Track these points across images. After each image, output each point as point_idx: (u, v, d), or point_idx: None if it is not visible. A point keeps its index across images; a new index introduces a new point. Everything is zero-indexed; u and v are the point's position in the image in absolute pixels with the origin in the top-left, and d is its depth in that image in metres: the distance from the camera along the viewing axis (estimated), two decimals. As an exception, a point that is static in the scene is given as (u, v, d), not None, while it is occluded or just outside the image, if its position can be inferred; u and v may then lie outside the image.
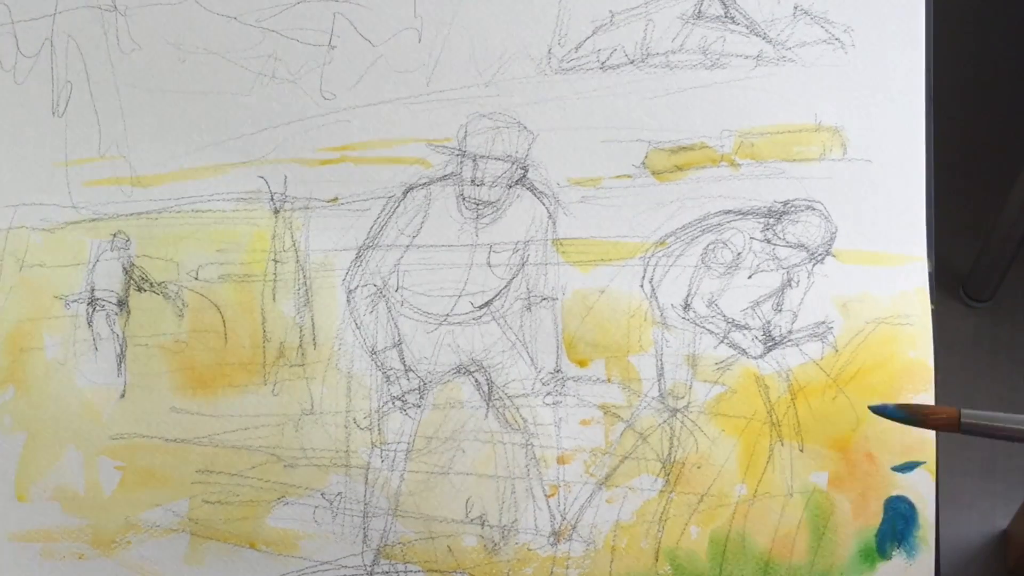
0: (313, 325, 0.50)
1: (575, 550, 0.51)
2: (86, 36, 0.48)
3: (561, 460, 0.51)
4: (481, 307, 0.51)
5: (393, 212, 0.50)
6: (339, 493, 0.50)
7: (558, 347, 0.51)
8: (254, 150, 0.49)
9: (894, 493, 0.51)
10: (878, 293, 0.52)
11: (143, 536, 0.49)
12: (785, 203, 0.52)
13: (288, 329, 0.50)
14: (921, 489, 0.51)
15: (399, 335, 0.51)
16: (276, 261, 0.50)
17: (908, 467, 0.51)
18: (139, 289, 0.49)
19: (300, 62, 0.49)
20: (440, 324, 0.51)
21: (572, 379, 0.51)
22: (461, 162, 0.50)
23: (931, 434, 0.51)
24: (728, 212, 0.52)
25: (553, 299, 0.51)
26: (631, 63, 0.50)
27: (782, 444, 0.51)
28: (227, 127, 0.49)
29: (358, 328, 0.50)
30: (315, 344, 0.50)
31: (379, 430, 0.50)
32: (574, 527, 0.51)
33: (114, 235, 0.49)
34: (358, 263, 0.50)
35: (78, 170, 0.48)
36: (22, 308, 0.48)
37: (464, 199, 0.50)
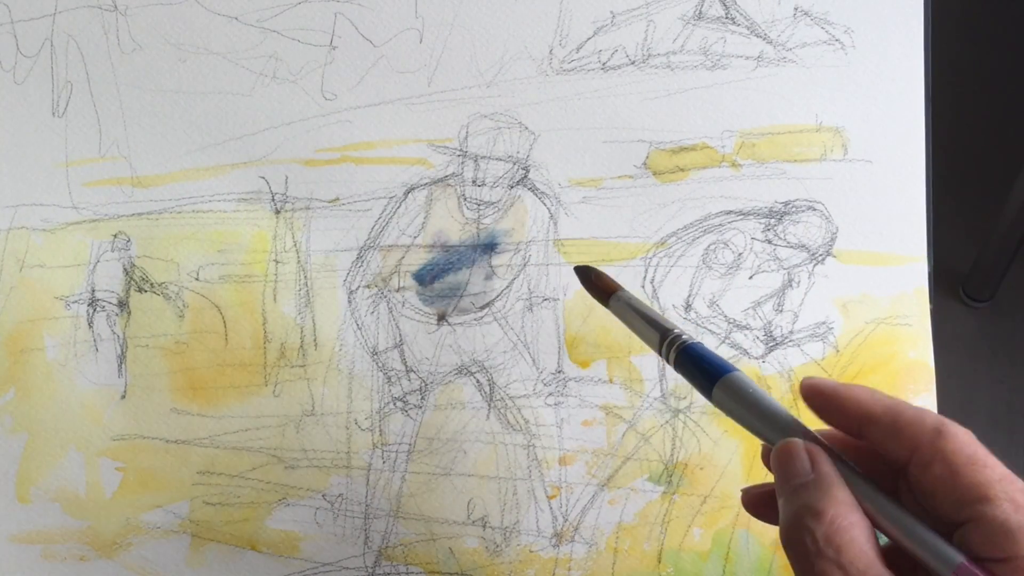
0: (314, 326, 0.50)
1: (577, 552, 0.51)
2: (86, 36, 0.47)
3: (563, 461, 0.51)
4: (482, 308, 0.51)
5: (394, 213, 0.50)
6: (340, 495, 0.50)
7: (560, 348, 0.51)
8: (255, 150, 0.49)
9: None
10: (877, 293, 0.52)
11: (144, 538, 0.49)
12: (786, 203, 0.52)
13: (289, 330, 0.49)
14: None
15: (400, 336, 0.50)
16: (277, 262, 0.49)
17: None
18: (140, 290, 0.49)
19: (301, 62, 0.49)
20: (441, 325, 0.51)
21: (574, 380, 0.51)
22: (462, 163, 0.50)
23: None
24: (729, 212, 0.52)
25: (555, 299, 0.51)
26: (632, 64, 0.50)
27: (784, 445, 0.51)
28: (228, 127, 0.49)
29: (359, 329, 0.50)
30: (316, 345, 0.50)
31: (380, 431, 0.50)
32: (576, 529, 0.51)
33: (115, 236, 0.49)
34: (359, 264, 0.50)
35: (78, 171, 0.48)
36: (22, 309, 0.48)
37: (465, 199, 0.50)
